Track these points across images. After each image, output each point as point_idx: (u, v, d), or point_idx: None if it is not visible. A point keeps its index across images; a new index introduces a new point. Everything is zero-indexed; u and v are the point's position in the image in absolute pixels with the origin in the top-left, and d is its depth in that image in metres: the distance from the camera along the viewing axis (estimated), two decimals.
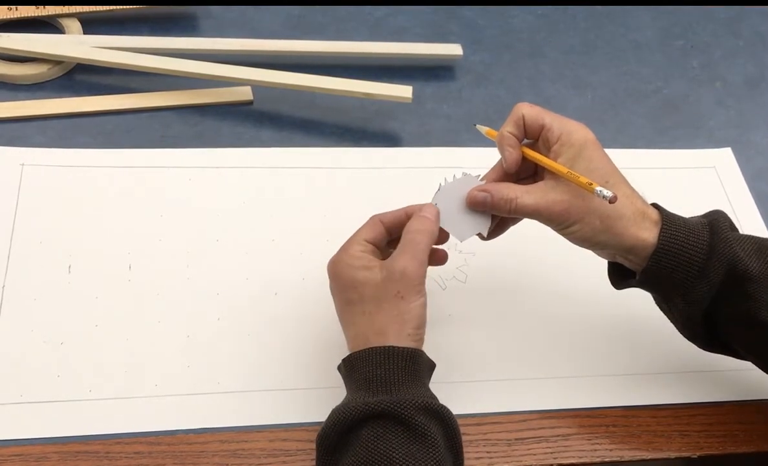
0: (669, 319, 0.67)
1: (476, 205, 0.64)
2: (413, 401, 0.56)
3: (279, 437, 0.66)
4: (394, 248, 0.63)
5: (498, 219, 0.66)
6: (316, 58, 0.93)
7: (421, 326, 0.61)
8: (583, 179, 0.60)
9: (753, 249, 0.62)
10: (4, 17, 0.89)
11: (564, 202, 0.62)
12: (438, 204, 0.65)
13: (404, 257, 0.60)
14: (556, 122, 0.63)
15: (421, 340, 0.61)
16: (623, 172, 0.64)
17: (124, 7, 0.93)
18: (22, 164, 0.79)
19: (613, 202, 0.59)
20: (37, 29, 0.90)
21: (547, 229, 0.64)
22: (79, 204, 0.77)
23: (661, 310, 0.67)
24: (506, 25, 1.03)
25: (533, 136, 0.65)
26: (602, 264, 0.67)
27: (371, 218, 0.65)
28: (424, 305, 0.61)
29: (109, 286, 0.72)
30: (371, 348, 0.59)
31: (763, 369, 0.65)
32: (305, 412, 0.67)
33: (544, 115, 0.64)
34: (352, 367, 0.60)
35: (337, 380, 0.62)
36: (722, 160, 0.91)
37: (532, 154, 0.64)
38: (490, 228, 0.65)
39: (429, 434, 0.56)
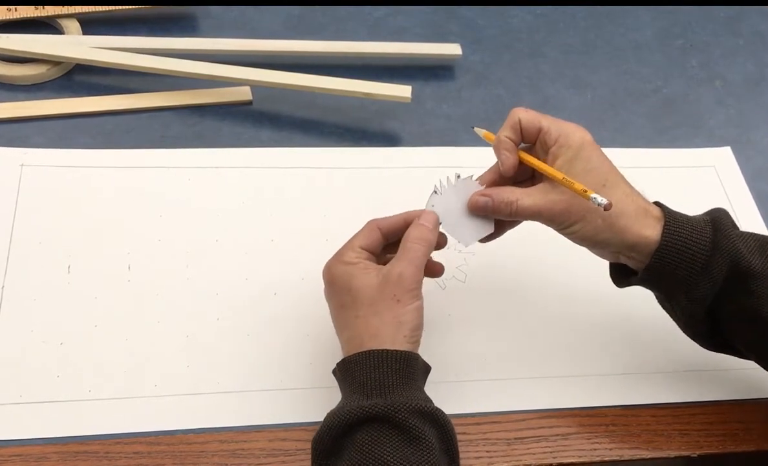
0: (671, 317, 0.67)
1: (478, 210, 0.64)
2: (408, 405, 0.56)
3: (278, 436, 0.66)
4: (391, 252, 0.63)
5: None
6: (316, 58, 0.93)
7: (417, 328, 0.61)
8: (578, 186, 0.60)
9: (756, 246, 0.63)
10: (3, 18, 0.89)
11: (564, 201, 0.62)
12: (436, 208, 0.65)
13: (401, 263, 0.61)
14: (553, 125, 0.63)
15: (417, 343, 0.61)
16: (623, 171, 0.64)
17: (123, 7, 0.93)
18: (22, 165, 0.79)
19: (608, 210, 0.59)
20: (36, 30, 0.90)
21: (546, 228, 0.64)
22: (79, 204, 0.77)
23: (663, 308, 0.67)
24: (505, 24, 1.03)
25: (530, 140, 0.65)
26: (601, 264, 0.67)
27: (368, 223, 0.65)
28: (421, 309, 0.61)
29: (108, 286, 0.72)
30: (366, 351, 0.58)
31: (764, 367, 0.65)
32: (304, 412, 0.67)
33: (540, 118, 0.64)
34: (346, 370, 0.59)
35: None
36: (722, 160, 0.91)
37: (528, 158, 0.64)
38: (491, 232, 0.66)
39: (424, 437, 0.55)
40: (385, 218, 0.65)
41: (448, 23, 1.02)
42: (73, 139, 0.82)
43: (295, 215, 0.79)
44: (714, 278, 0.62)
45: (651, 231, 0.62)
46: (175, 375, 0.68)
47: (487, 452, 0.67)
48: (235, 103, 0.89)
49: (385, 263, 0.63)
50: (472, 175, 0.66)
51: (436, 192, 0.65)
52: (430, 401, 0.59)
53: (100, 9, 0.92)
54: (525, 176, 0.67)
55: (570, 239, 0.64)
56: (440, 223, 0.65)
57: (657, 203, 0.64)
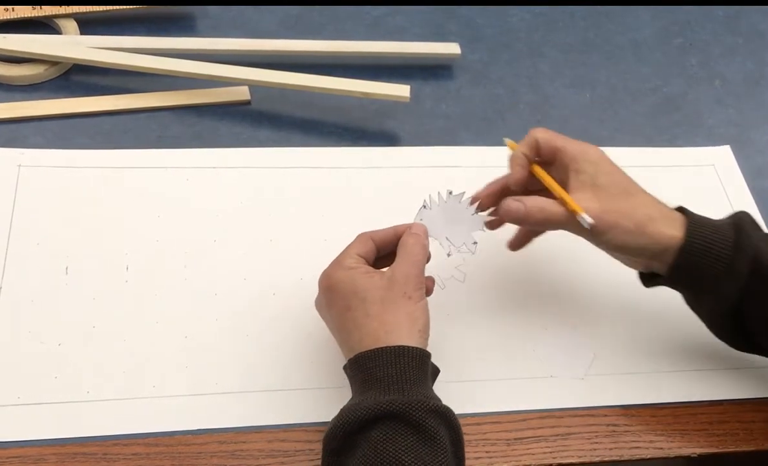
0: (698, 316, 0.68)
1: (510, 215, 0.66)
2: (424, 403, 0.56)
3: (278, 437, 0.65)
4: (382, 265, 0.64)
5: (509, 230, 0.68)
6: (314, 58, 0.93)
7: (427, 326, 0.61)
8: (573, 204, 0.63)
9: None
10: (1, 18, 0.89)
11: (595, 209, 0.63)
12: (424, 221, 0.66)
13: (405, 264, 0.62)
14: (569, 145, 0.67)
15: (426, 342, 0.61)
16: (623, 170, 0.66)
17: (121, 7, 0.92)
18: (19, 165, 0.78)
19: (593, 229, 0.62)
20: (33, 30, 0.89)
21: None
22: (77, 205, 0.77)
23: (691, 308, 0.68)
24: (505, 24, 1.03)
25: (548, 159, 0.68)
26: (600, 264, 0.67)
27: (361, 235, 0.65)
28: (428, 308, 0.62)
29: (106, 287, 0.72)
30: (382, 347, 0.58)
31: None
32: (304, 412, 0.67)
33: (556, 139, 0.67)
34: (360, 367, 0.59)
35: (337, 380, 0.62)
36: (721, 158, 0.91)
37: (540, 172, 0.67)
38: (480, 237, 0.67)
39: (438, 437, 0.55)
40: (376, 231, 0.66)
41: (447, 22, 1.02)
42: (71, 140, 0.82)
43: (294, 215, 0.79)
44: (737, 277, 0.63)
45: (677, 232, 0.64)
46: (173, 376, 0.68)
47: (487, 452, 0.67)
48: (234, 103, 0.89)
49: None
50: (463, 193, 0.66)
51: (425, 206, 0.66)
52: (441, 401, 0.59)
53: (98, 9, 0.92)
54: (534, 187, 0.68)
55: (604, 248, 0.66)
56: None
57: (678, 208, 0.66)
